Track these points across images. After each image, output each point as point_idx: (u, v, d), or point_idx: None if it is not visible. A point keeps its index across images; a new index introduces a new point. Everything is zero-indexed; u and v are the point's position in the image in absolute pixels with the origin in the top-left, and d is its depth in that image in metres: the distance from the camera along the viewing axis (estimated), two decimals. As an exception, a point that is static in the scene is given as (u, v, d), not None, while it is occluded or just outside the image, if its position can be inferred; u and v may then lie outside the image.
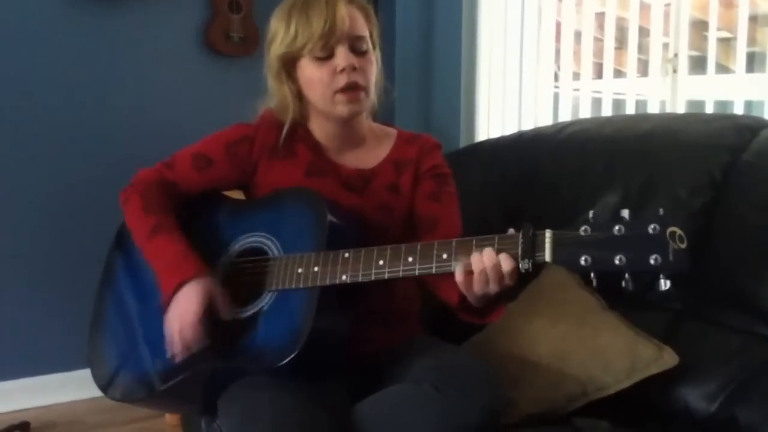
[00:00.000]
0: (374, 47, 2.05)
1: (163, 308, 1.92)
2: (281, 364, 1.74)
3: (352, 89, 1.96)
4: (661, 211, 1.49)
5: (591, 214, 1.54)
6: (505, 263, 1.61)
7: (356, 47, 1.96)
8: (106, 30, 3.70)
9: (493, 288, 1.65)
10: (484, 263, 1.63)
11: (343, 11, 1.93)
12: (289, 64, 2.01)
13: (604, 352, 2.08)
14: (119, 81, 3.75)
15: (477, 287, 1.66)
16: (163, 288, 1.93)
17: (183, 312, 1.87)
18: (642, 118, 2.82)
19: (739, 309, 2.08)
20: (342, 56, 1.94)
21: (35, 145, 3.59)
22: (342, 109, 1.98)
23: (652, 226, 1.46)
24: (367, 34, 2.01)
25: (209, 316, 1.87)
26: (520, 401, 2.06)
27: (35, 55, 3.57)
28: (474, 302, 1.74)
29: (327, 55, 1.95)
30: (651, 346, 2.06)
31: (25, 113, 3.57)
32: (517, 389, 2.07)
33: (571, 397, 2.07)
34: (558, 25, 3.79)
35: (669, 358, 2.04)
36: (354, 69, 1.94)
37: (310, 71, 1.98)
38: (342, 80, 1.94)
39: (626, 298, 2.21)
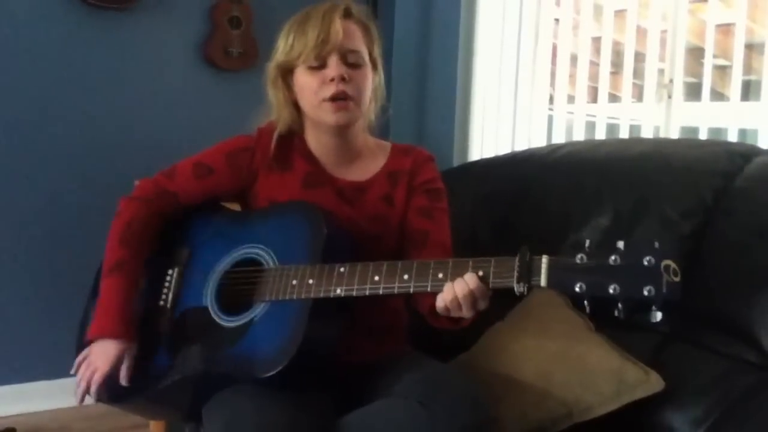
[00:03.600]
0: (375, 65, 2.11)
1: (83, 342, 2.05)
2: (270, 374, 1.75)
3: (340, 99, 2.00)
4: (657, 243, 1.51)
5: (587, 242, 1.57)
6: (478, 291, 1.67)
7: (349, 60, 2.02)
8: (107, 43, 3.73)
9: (467, 313, 1.70)
10: (456, 291, 1.68)
11: (338, 25, 1.99)
12: (286, 73, 2.08)
13: (591, 374, 2.08)
14: (119, 93, 3.77)
15: (452, 312, 1.72)
16: (92, 326, 2.02)
17: (94, 365, 1.99)
18: (635, 141, 2.84)
19: (727, 334, 2.09)
20: (333, 67, 1.99)
21: (33, 155, 3.61)
22: (329, 117, 2.03)
23: (647, 258, 1.48)
24: (363, 49, 2.06)
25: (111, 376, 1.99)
26: (505, 419, 2.06)
27: (37, 66, 3.59)
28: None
29: (319, 65, 2.01)
30: (637, 370, 2.06)
31: (27, 122, 3.59)
32: (502, 408, 2.07)
33: (556, 418, 2.07)
34: (554, 48, 3.81)
35: (655, 382, 2.04)
36: (343, 79, 1.99)
37: (303, 80, 2.04)
38: (330, 89, 2.00)
39: (614, 320, 2.22)
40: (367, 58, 2.07)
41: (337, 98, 2.00)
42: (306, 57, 2.00)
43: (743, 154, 2.29)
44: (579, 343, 2.16)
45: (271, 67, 2.10)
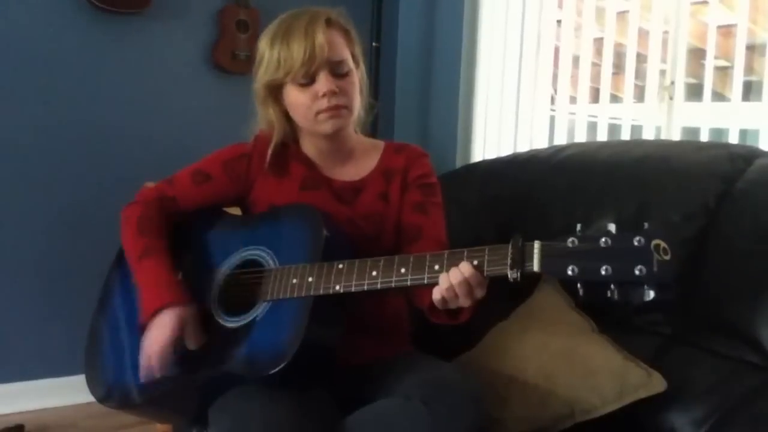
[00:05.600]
0: (357, 65, 2.11)
1: (140, 330, 1.98)
2: (273, 372, 1.76)
3: (333, 109, 2.02)
4: (646, 224, 1.53)
5: (578, 227, 1.58)
6: (473, 278, 1.67)
7: (336, 71, 2.02)
8: (116, 47, 3.74)
9: (464, 302, 1.71)
10: (451, 280, 1.68)
11: (322, 38, 1.98)
12: (274, 91, 2.08)
13: (593, 374, 2.09)
14: (128, 96, 3.79)
15: (450, 302, 1.73)
16: (143, 310, 1.98)
17: (155, 339, 1.93)
18: (636, 144, 2.83)
19: (728, 336, 2.08)
20: (323, 82, 2.00)
21: (41, 156, 3.63)
22: (325, 126, 2.05)
23: (637, 238, 1.50)
24: (347, 56, 2.06)
25: (179, 345, 1.94)
26: (507, 420, 2.09)
27: (45, 70, 3.60)
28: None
29: (309, 82, 2.01)
30: (640, 371, 2.07)
31: (35, 125, 3.61)
32: (504, 408, 2.09)
33: (558, 417, 2.08)
34: (556, 49, 3.81)
35: (657, 383, 2.04)
36: (334, 93, 2.01)
37: (293, 96, 2.05)
38: (323, 104, 2.01)
39: (616, 322, 2.24)
40: (351, 63, 2.08)
41: (331, 109, 2.03)
42: (294, 75, 2.01)
43: (745, 156, 2.29)
44: (582, 343, 2.18)
45: (259, 88, 2.11)
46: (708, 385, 2.06)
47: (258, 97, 2.13)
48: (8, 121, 3.55)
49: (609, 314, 2.26)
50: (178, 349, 1.93)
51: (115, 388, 2.09)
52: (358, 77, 2.10)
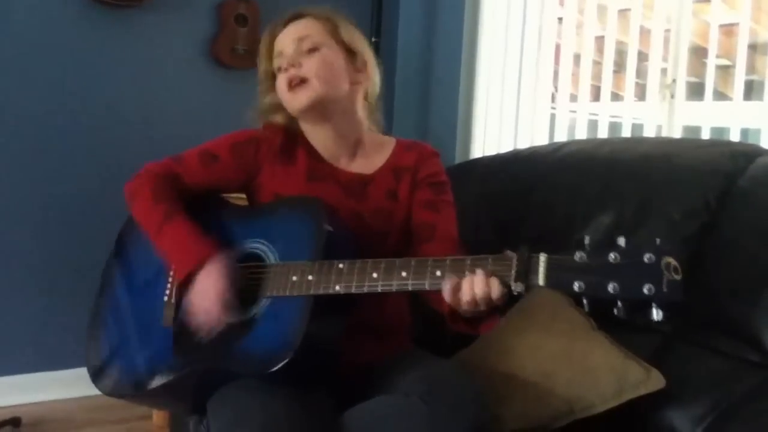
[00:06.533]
0: (348, 50, 2.13)
1: (176, 291, 1.99)
2: (272, 370, 1.75)
3: (296, 84, 2.06)
4: (658, 240, 1.49)
5: (587, 239, 1.54)
6: (495, 291, 1.64)
7: (303, 47, 2.07)
8: (115, 40, 3.74)
9: (482, 309, 1.68)
10: (475, 291, 1.65)
11: (293, 27, 2.11)
12: (267, 81, 2.18)
13: (592, 371, 2.08)
14: (126, 90, 3.79)
15: (466, 308, 1.69)
16: (178, 271, 1.97)
17: (206, 290, 1.89)
18: (638, 141, 2.82)
19: (729, 334, 2.07)
20: (282, 57, 2.09)
21: (41, 148, 3.63)
22: (292, 104, 2.08)
23: (647, 255, 1.46)
24: (317, 37, 2.10)
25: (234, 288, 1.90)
26: (506, 417, 2.07)
27: (44, 63, 3.61)
28: (465, 314, 1.76)
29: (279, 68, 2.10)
30: (639, 368, 2.06)
31: (33, 118, 3.61)
32: (503, 405, 2.07)
33: (557, 415, 2.07)
34: (557, 47, 3.81)
35: (656, 380, 2.03)
36: (292, 65, 2.05)
37: (278, 83, 2.11)
38: (283, 79, 2.07)
39: (616, 319, 2.23)
40: (325, 40, 2.10)
41: (288, 84, 2.06)
42: (269, 59, 2.13)
43: (746, 154, 2.28)
44: (581, 341, 2.16)
45: (259, 78, 2.20)
46: (708, 382, 2.05)
47: (260, 86, 2.19)
48: (4, 115, 3.54)
49: (606, 311, 2.24)
50: (234, 292, 1.90)
51: (115, 377, 2.09)
52: (343, 57, 2.12)
